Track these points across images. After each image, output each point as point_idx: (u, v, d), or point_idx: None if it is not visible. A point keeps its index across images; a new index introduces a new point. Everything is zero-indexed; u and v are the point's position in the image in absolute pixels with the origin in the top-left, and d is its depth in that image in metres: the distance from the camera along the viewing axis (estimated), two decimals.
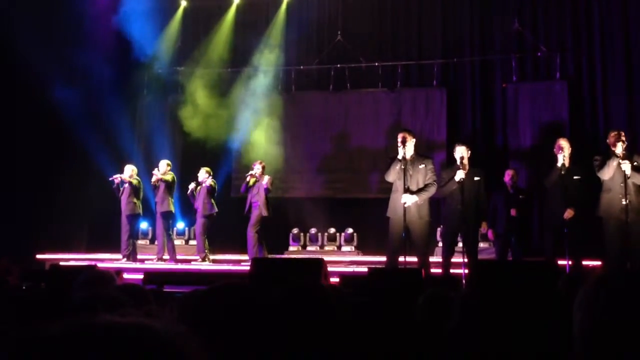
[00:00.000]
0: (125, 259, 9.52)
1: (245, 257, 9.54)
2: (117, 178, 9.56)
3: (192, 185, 9.69)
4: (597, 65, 10.50)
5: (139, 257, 9.80)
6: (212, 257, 9.79)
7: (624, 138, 6.91)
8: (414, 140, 7.29)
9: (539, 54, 10.73)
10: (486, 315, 1.48)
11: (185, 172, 10.73)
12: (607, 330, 1.16)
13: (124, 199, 9.58)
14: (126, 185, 9.59)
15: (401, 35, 11.53)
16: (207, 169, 9.85)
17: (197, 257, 9.77)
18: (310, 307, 1.62)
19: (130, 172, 9.68)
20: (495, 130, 10.94)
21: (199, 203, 9.62)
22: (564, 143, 7.48)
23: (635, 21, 10.14)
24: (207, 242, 9.72)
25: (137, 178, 9.76)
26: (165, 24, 11.77)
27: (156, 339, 0.64)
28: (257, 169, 9.40)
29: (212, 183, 9.70)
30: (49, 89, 10.06)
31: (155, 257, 9.81)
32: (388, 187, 7.77)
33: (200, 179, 9.71)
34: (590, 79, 10.55)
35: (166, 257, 9.68)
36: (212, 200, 9.67)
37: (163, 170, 9.71)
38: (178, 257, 9.79)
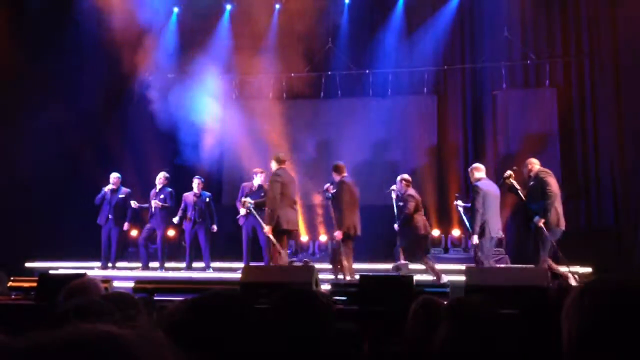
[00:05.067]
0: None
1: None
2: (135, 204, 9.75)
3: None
4: (585, 72, 10.59)
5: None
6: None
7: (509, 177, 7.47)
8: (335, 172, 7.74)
9: (528, 61, 10.82)
10: (473, 323, 1.49)
11: (177, 180, 10.69)
12: (593, 337, 1.16)
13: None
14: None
15: (392, 42, 11.58)
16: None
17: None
18: (302, 311, 1.62)
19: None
20: (486, 137, 11.00)
21: (203, 215, 9.63)
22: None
23: (624, 28, 10.24)
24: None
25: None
26: (157, 31, 11.75)
27: (122, 349, 0.63)
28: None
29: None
30: (40, 98, 10.03)
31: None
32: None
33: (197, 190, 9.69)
34: (579, 86, 10.64)
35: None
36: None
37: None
38: (169, 265, 9.86)
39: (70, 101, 10.67)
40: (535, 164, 7.45)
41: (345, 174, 7.77)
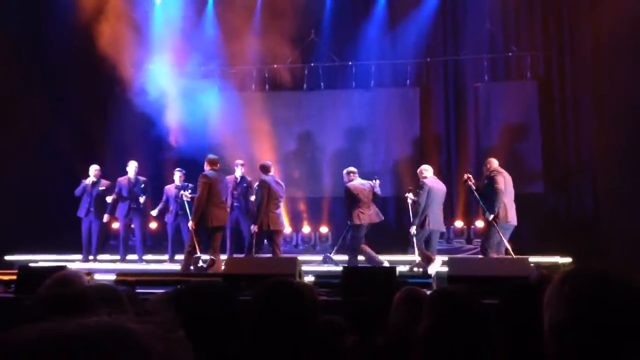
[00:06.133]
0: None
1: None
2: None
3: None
4: (566, 65, 10.69)
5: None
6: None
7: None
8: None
9: (510, 54, 10.88)
10: (455, 312, 1.50)
11: (159, 173, 10.61)
12: (573, 324, 1.18)
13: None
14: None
15: (375, 34, 11.57)
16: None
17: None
18: (283, 302, 1.63)
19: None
20: (468, 128, 11.06)
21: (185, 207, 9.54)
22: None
23: (604, 22, 10.33)
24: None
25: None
26: (139, 22, 11.60)
27: (133, 343, 0.61)
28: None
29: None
30: (21, 91, 9.88)
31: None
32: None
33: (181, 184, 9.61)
34: (560, 78, 10.73)
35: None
36: None
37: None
38: (150, 258, 9.81)
39: (51, 94, 10.54)
40: (493, 163, 7.97)
41: (270, 173, 8.31)
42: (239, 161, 9.39)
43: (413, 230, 8.06)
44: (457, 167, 10.89)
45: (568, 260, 8.27)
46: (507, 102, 10.73)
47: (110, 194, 9.71)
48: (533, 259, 7.51)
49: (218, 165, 8.16)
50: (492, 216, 7.55)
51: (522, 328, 1.91)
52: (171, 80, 11.08)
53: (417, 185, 8.31)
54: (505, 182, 7.68)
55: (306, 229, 10.81)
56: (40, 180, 10.47)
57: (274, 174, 8.50)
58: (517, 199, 9.48)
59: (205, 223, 7.83)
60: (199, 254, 7.91)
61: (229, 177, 9.28)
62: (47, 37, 10.65)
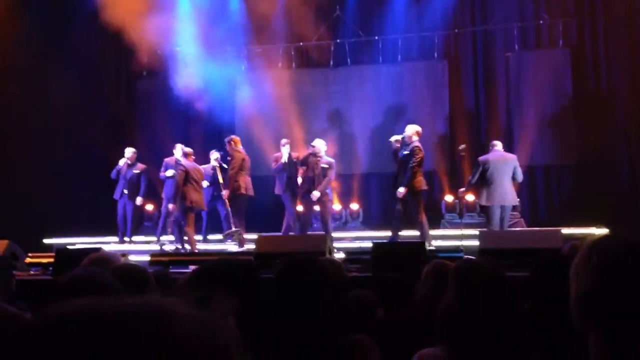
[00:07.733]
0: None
1: None
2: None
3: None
4: (599, 31, 10.37)
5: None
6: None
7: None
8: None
9: (541, 22, 10.60)
10: (478, 285, 1.49)
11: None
12: (601, 296, 1.16)
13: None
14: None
15: (401, 7, 11.39)
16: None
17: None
18: (306, 277, 1.63)
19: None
20: (499, 100, 10.85)
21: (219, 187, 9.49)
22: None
23: None
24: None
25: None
26: (165, 3, 11.61)
27: (170, 325, 0.57)
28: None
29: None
30: (54, 74, 10.04)
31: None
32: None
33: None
34: (593, 46, 10.42)
35: None
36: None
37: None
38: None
39: (81, 78, 10.68)
40: (495, 146, 8.09)
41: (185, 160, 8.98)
42: (284, 140, 9.19)
43: (402, 190, 7.71)
44: (487, 140, 10.69)
45: (604, 231, 8.11)
46: (539, 72, 10.47)
47: (145, 177, 9.83)
48: (568, 230, 7.43)
49: (192, 157, 9.22)
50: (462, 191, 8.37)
51: (552, 300, 1.88)
52: (198, 60, 11.10)
53: (405, 142, 8.02)
54: (493, 166, 7.77)
55: (337, 206, 10.79)
56: (76, 164, 10.68)
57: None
58: (550, 170, 9.35)
59: (184, 203, 8.63)
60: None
61: (277, 155, 9.17)
62: (75, 21, 10.76)
